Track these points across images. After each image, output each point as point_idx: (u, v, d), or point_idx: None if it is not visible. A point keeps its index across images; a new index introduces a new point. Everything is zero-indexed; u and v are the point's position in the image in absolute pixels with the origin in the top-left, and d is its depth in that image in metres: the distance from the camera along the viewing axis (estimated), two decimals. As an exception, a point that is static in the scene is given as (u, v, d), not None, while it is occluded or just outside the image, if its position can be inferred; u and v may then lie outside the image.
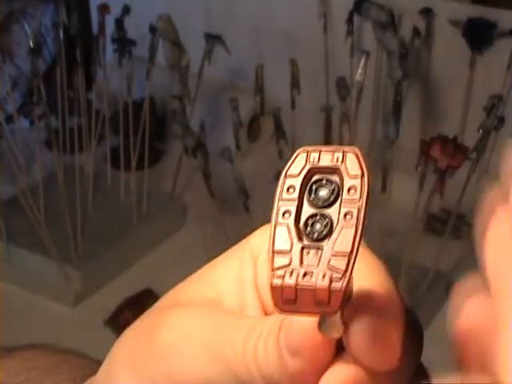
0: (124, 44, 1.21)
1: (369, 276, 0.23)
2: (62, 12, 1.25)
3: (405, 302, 0.23)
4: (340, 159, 0.21)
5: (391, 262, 1.21)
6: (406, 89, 1.21)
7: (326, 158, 0.21)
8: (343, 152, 0.21)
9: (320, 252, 0.20)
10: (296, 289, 0.20)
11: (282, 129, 1.12)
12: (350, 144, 1.15)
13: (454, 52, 1.26)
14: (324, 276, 0.20)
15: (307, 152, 0.21)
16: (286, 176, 0.21)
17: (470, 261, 1.15)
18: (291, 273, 0.20)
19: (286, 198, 0.21)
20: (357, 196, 0.20)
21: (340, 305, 0.20)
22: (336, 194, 0.20)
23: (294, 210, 0.21)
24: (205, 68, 1.22)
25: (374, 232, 1.02)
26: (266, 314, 0.27)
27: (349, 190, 0.20)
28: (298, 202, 0.21)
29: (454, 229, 1.14)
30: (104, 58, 1.24)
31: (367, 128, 1.30)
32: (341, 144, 1.13)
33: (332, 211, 0.20)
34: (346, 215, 0.20)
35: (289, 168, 0.21)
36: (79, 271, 1.09)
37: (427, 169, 0.95)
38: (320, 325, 0.21)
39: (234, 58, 1.22)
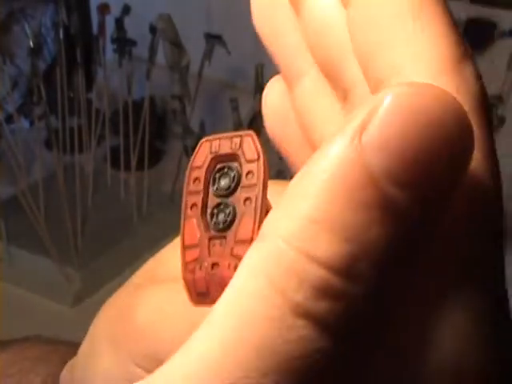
0: (124, 44, 1.21)
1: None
2: (62, 12, 1.25)
3: None
4: (238, 145, 0.20)
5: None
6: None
7: (226, 145, 0.20)
8: (240, 137, 0.20)
9: (224, 241, 0.20)
10: (206, 281, 0.20)
11: (282, 129, 1.12)
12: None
13: (454, 52, 1.25)
14: (229, 265, 0.19)
15: (210, 141, 0.21)
16: (191, 168, 0.21)
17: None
18: (201, 265, 0.20)
19: (192, 191, 0.21)
20: (254, 181, 0.20)
21: None
22: (237, 181, 0.20)
23: (200, 201, 0.20)
24: (205, 68, 1.22)
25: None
26: None
27: (247, 175, 0.20)
28: (203, 194, 0.20)
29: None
30: (104, 58, 1.24)
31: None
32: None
33: (233, 199, 0.20)
34: (245, 201, 0.20)
35: (193, 160, 0.21)
36: (79, 271, 1.09)
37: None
38: None
39: (233, 57, 1.22)
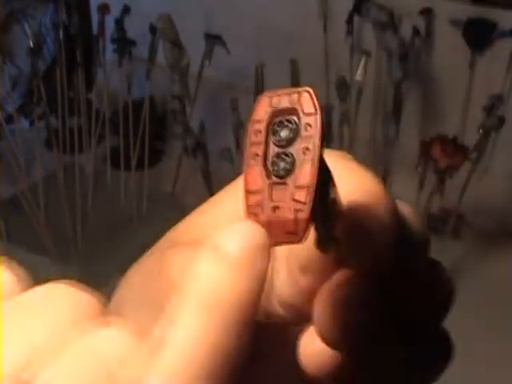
0: (124, 44, 1.21)
1: (357, 188, 0.24)
2: (62, 12, 1.25)
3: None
4: (296, 99, 0.22)
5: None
6: (406, 89, 1.21)
7: (285, 100, 0.22)
8: (298, 93, 0.22)
9: (285, 187, 0.22)
10: (268, 222, 0.22)
11: (282, 129, 1.12)
12: (350, 145, 1.15)
13: (454, 52, 1.26)
14: (290, 209, 0.21)
15: (269, 97, 0.23)
16: (252, 122, 0.23)
17: (470, 261, 1.15)
18: (263, 208, 0.22)
19: (254, 142, 0.23)
20: (312, 132, 0.22)
21: (305, 233, 0.21)
22: (295, 133, 0.22)
23: (261, 151, 0.22)
24: (205, 68, 1.22)
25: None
26: None
27: (305, 127, 0.22)
28: (264, 144, 0.22)
29: (454, 229, 1.15)
30: (104, 58, 1.24)
31: (367, 128, 1.30)
32: (341, 144, 1.13)
33: (293, 149, 0.22)
34: (304, 151, 0.22)
35: (254, 114, 0.23)
36: (79, 271, 1.09)
37: (427, 169, 0.95)
38: (318, 243, 0.23)
39: (234, 57, 1.22)
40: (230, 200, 0.29)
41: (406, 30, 1.20)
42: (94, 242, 1.15)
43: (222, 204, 0.29)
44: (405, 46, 1.09)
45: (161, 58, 1.15)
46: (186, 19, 1.20)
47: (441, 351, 0.26)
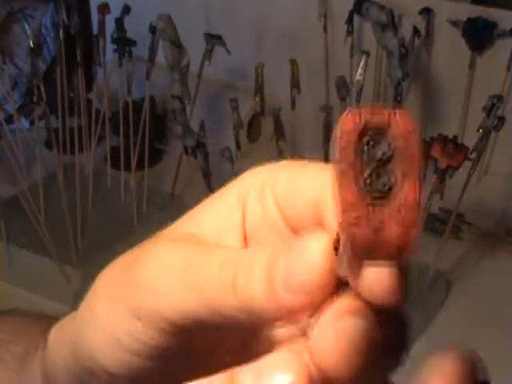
0: (124, 44, 1.20)
1: None
2: (61, 12, 1.25)
3: None
4: (387, 118, 0.22)
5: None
6: (406, 89, 1.21)
7: (378, 117, 0.22)
8: (393, 112, 0.22)
9: (387, 204, 0.21)
10: (370, 237, 0.21)
11: (282, 129, 1.12)
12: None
13: (454, 52, 1.26)
14: (395, 225, 0.21)
15: (358, 111, 0.22)
16: (342, 132, 0.22)
17: (470, 261, 1.15)
18: (362, 225, 0.21)
19: (344, 158, 0.22)
20: (411, 152, 0.22)
21: (417, 249, 0.21)
22: (392, 151, 0.22)
23: (354, 165, 0.22)
24: (205, 68, 1.22)
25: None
26: None
27: (402, 147, 0.22)
28: (356, 159, 0.22)
29: (454, 229, 1.14)
30: (104, 58, 1.24)
31: (367, 128, 1.30)
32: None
33: (390, 167, 0.22)
34: (404, 171, 0.22)
35: (343, 124, 0.22)
36: (79, 271, 1.09)
37: (427, 169, 0.95)
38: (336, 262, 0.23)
39: (234, 57, 1.22)
40: (216, 204, 0.28)
41: (406, 30, 1.20)
42: (93, 242, 1.15)
43: (207, 208, 0.29)
44: (405, 46, 1.09)
45: (161, 57, 1.15)
46: (186, 19, 1.20)
47: None
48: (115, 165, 1.28)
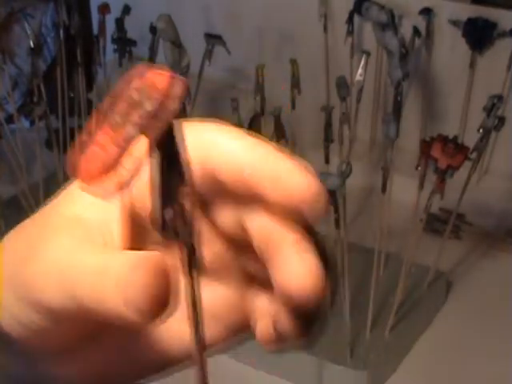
0: (124, 44, 1.21)
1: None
2: (62, 12, 1.25)
3: None
4: (168, 81, 0.24)
5: (391, 262, 1.20)
6: (406, 89, 1.21)
7: (157, 77, 0.24)
8: (173, 77, 0.24)
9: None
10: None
11: (282, 129, 1.12)
12: (350, 145, 1.15)
13: (454, 52, 1.26)
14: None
15: (144, 70, 0.25)
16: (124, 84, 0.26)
17: (470, 261, 1.15)
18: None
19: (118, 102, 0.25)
20: (159, 114, 0.24)
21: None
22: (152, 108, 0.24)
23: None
24: (205, 68, 1.22)
25: (374, 232, 1.02)
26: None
27: (157, 108, 0.24)
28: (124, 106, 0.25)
29: (454, 229, 1.14)
30: (104, 58, 1.24)
31: (367, 128, 1.30)
32: (341, 144, 1.13)
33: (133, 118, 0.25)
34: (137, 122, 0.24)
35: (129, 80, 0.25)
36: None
37: (427, 169, 0.95)
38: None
39: (234, 57, 1.22)
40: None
41: (406, 30, 1.20)
42: (94, 242, 1.15)
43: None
44: (405, 46, 1.09)
45: (161, 57, 1.15)
46: (185, 19, 1.20)
47: None
48: (115, 165, 1.28)
